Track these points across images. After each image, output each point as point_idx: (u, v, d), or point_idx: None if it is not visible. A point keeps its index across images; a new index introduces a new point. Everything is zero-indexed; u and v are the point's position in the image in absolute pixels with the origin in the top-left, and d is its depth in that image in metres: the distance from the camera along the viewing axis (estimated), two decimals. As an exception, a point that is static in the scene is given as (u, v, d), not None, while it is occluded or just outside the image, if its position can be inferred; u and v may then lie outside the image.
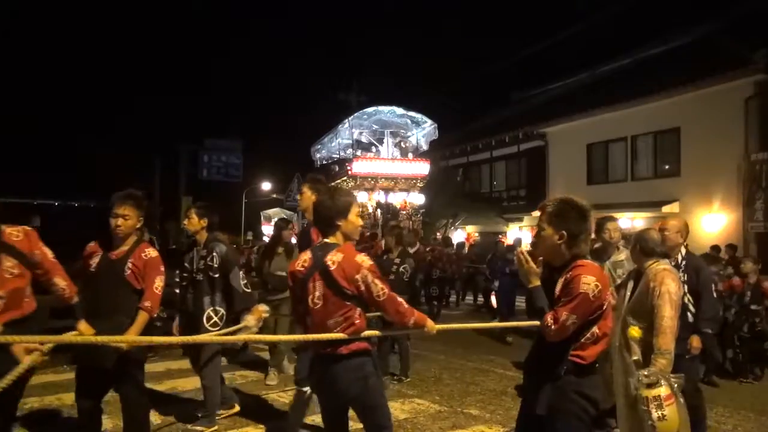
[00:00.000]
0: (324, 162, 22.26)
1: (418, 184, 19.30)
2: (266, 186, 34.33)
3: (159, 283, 3.72)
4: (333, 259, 2.72)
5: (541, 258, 2.74)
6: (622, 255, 4.83)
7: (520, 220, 21.24)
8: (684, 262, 4.34)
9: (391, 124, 19.52)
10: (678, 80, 14.56)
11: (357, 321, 2.74)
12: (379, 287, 2.73)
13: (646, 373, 3.23)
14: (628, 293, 3.75)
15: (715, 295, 4.52)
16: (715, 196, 14.24)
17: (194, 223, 4.66)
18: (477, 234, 22.37)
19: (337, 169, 20.54)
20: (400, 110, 18.88)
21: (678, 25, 18.92)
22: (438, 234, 18.94)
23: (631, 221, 16.25)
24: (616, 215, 15.90)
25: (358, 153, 19.46)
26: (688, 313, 4.17)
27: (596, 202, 17.24)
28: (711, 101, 14.07)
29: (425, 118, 19.36)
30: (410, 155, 19.90)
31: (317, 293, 2.73)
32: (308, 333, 2.79)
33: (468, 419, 5.12)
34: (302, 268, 2.81)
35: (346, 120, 19.29)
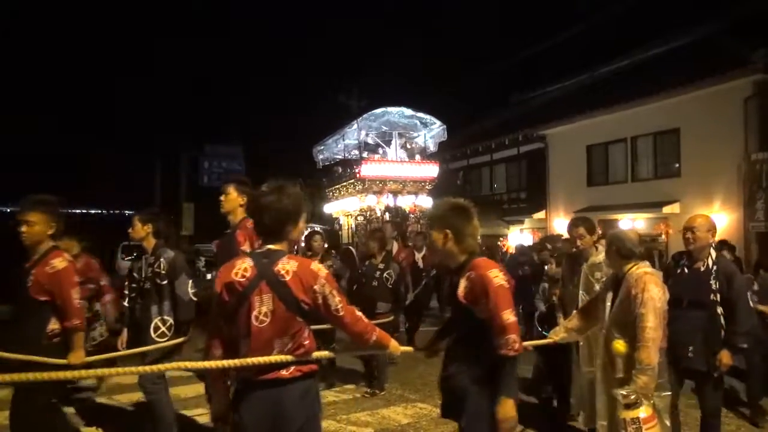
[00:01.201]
0: (327, 163, 21.91)
1: (426, 187, 18.94)
2: (267, 191, 34.27)
3: (75, 295, 3.56)
4: (286, 267, 2.35)
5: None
6: (600, 257, 4.46)
7: (521, 222, 21.23)
8: (714, 267, 3.90)
9: (399, 125, 19.17)
10: (677, 81, 14.56)
11: (307, 342, 2.41)
12: (337, 300, 2.42)
13: (624, 392, 2.98)
14: (608, 304, 3.39)
15: (751, 302, 4.03)
16: (715, 196, 14.23)
17: (138, 230, 4.44)
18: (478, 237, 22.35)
19: (340, 170, 20.24)
20: (409, 111, 18.51)
21: (677, 26, 18.93)
22: None
23: (632, 222, 16.25)
24: (617, 216, 16.20)
25: (365, 155, 19.04)
26: (720, 323, 3.83)
27: (597, 203, 17.33)
28: (710, 101, 14.07)
29: (434, 120, 19.01)
30: (417, 157, 19.49)
31: (264, 308, 2.31)
32: (244, 357, 2.36)
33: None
34: (243, 279, 2.33)
35: (355, 122, 18.96)
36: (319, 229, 26.26)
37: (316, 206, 28.80)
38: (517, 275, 9.48)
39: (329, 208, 21.77)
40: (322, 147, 21.83)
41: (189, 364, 2.43)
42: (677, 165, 15.34)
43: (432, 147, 19.84)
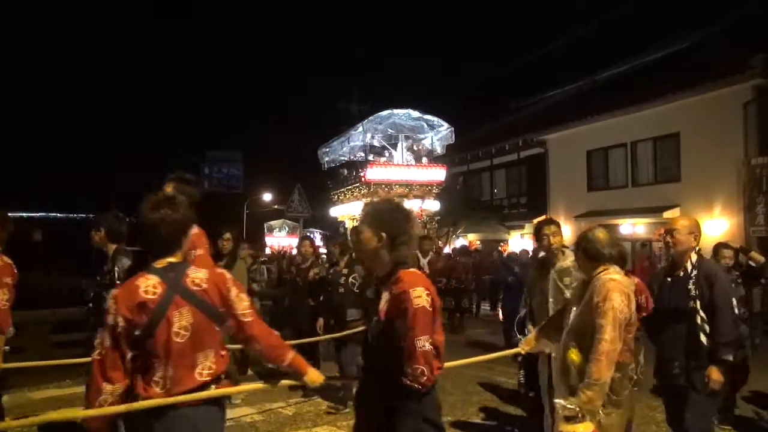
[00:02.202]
0: (332, 165, 21.56)
1: (433, 191, 18.60)
2: (267, 197, 34.44)
3: (1, 296, 3.52)
4: (198, 276, 2.27)
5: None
6: (569, 261, 4.17)
7: (522, 227, 21.23)
8: (694, 272, 3.55)
9: (405, 127, 18.87)
10: (677, 86, 14.59)
11: (224, 352, 2.31)
12: (245, 304, 2.31)
13: (565, 403, 2.77)
14: (575, 309, 3.15)
15: (736, 310, 3.57)
16: (716, 201, 14.23)
17: (93, 239, 4.26)
18: (478, 242, 22.37)
19: (345, 172, 19.97)
20: (415, 113, 18.27)
21: (676, 31, 19.02)
22: (440, 243, 18.78)
23: (632, 227, 16.26)
24: (618, 221, 16.19)
25: (371, 158, 18.74)
26: (703, 337, 3.44)
27: (597, 208, 17.33)
28: (710, 106, 14.10)
29: (441, 122, 18.70)
30: (424, 159, 19.20)
31: (183, 322, 2.18)
32: (163, 376, 2.17)
33: (471, 429, 5.10)
34: (154, 296, 2.17)
35: (360, 124, 18.73)
36: (318, 234, 26.17)
37: (315, 210, 28.80)
38: (506, 281, 9.56)
39: (334, 212, 21.30)
40: (327, 149, 21.43)
41: (144, 404, 2.13)
42: (677, 170, 15.36)
43: (439, 149, 19.42)
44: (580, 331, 2.99)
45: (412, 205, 18.40)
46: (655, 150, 16.04)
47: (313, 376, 2.48)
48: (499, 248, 18.93)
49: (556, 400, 2.86)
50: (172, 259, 2.29)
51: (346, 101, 26.45)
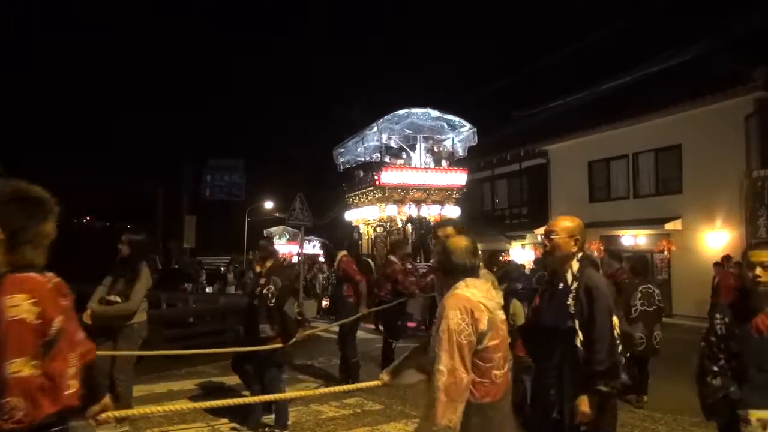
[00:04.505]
0: (347, 166, 20.65)
1: (453, 196, 17.69)
2: (269, 205, 34.45)
3: None
4: None
5: None
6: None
7: (523, 237, 21.21)
8: (575, 284, 2.93)
9: (425, 128, 17.98)
10: (678, 98, 14.67)
11: None
12: None
13: None
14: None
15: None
16: (717, 212, 14.24)
17: None
18: (479, 253, 22.21)
19: (361, 174, 19.11)
20: (435, 113, 17.37)
21: (678, 43, 19.09)
22: None
23: (633, 239, 16.24)
24: (619, 232, 16.18)
25: (387, 159, 17.77)
26: (582, 362, 2.82)
27: (598, 219, 17.29)
28: (711, 118, 14.14)
29: (463, 122, 17.84)
30: (445, 162, 18.32)
31: None
32: None
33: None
34: None
35: (375, 123, 17.72)
36: (318, 242, 25.85)
37: (318, 218, 28.70)
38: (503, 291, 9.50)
39: (349, 216, 20.43)
40: (342, 149, 20.46)
41: None
42: (679, 181, 15.37)
43: (461, 152, 18.64)
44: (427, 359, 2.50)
45: (430, 210, 17.90)
46: (657, 162, 16.07)
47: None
48: (501, 258, 18.79)
49: None
50: None
51: (346, 109, 26.47)
